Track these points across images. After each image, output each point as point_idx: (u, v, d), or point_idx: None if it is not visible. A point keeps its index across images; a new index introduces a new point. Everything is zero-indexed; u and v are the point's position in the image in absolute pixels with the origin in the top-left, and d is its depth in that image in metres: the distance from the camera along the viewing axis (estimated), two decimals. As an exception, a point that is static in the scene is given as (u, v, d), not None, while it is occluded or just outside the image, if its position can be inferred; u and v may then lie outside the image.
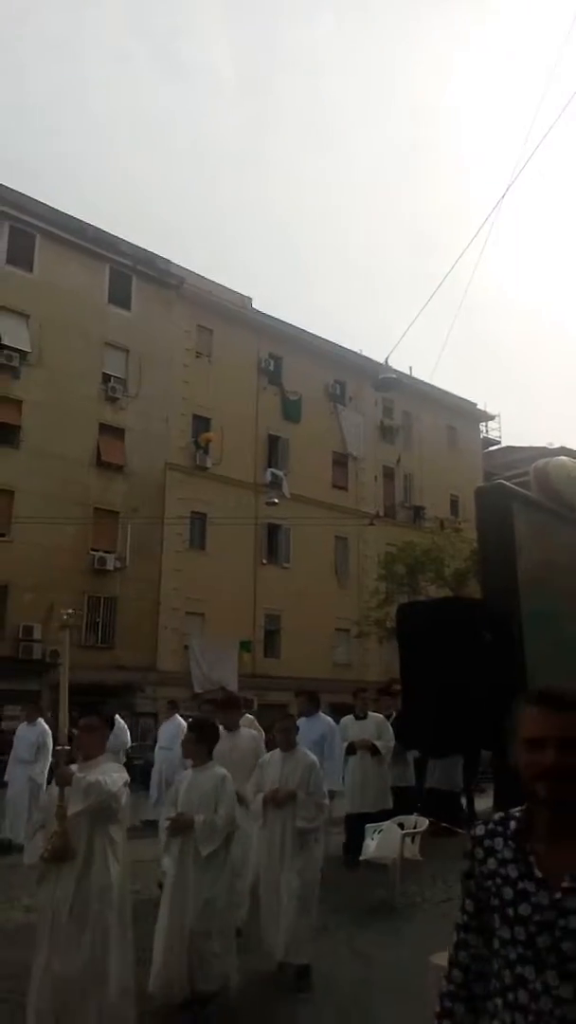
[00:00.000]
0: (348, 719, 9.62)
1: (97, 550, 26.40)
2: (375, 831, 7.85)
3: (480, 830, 1.83)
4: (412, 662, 3.47)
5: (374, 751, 9.11)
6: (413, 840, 7.85)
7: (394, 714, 9.70)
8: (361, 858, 7.78)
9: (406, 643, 3.52)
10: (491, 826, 1.82)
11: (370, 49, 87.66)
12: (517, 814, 1.81)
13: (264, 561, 31.35)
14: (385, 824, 8.05)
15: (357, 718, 9.56)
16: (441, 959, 3.40)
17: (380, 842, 7.63)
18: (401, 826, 7.90)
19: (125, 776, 4.30)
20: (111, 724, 5.05)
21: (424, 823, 8.09)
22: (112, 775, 4.18)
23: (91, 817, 4.06)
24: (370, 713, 9.66)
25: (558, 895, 1.65)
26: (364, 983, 5.08)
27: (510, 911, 1.69)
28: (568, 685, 1.77)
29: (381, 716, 9.65)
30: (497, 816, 1.84)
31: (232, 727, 6.55)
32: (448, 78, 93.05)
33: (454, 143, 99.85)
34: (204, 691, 22.88)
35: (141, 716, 22.99)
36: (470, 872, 1.82)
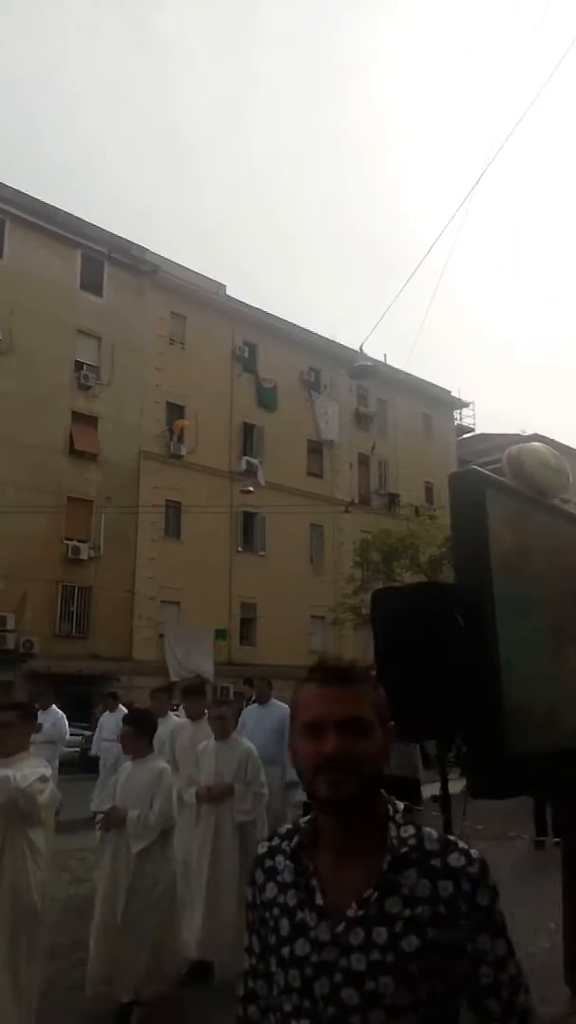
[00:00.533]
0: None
1: (71, 539, 26.20)
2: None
3: (263, 847, 1.46)
4: (386, 647, 3.48)
5: None
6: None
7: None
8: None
9: (380, 628, 3.53)
10: (275, 841, 1.44)
11: (348, 22, 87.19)
12: (303, 823, 1.42)
13: (239, 549, 31.33)
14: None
15: None
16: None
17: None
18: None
19: (44, 771, 3.87)
20: (34, 716, 4.58)
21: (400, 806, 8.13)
22: (25, 771, 3.73)
23: (3, 817, 3.70)
24: None
25: (340, 927, 1.27)
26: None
27: (285, 950, 1.32)
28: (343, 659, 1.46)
29: None
30: (284, 828, 1.47)
31: (196, 716, 6.29)
32: (428, 53, 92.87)
33: (432, 123, 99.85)
34: (180, 679, 22.84)
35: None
36: (252, 902, 1.43)
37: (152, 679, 20.77)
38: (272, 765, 6.70)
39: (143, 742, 4.92)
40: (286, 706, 8.55)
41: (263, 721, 7.38)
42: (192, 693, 6.71)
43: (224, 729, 5.49)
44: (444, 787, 3.89)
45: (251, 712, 8.17)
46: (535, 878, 7.52)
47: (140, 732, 4.94)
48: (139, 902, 4.51)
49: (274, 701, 8.15)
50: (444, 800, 3.84)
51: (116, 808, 4.67)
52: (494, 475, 4.28)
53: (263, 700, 7.97)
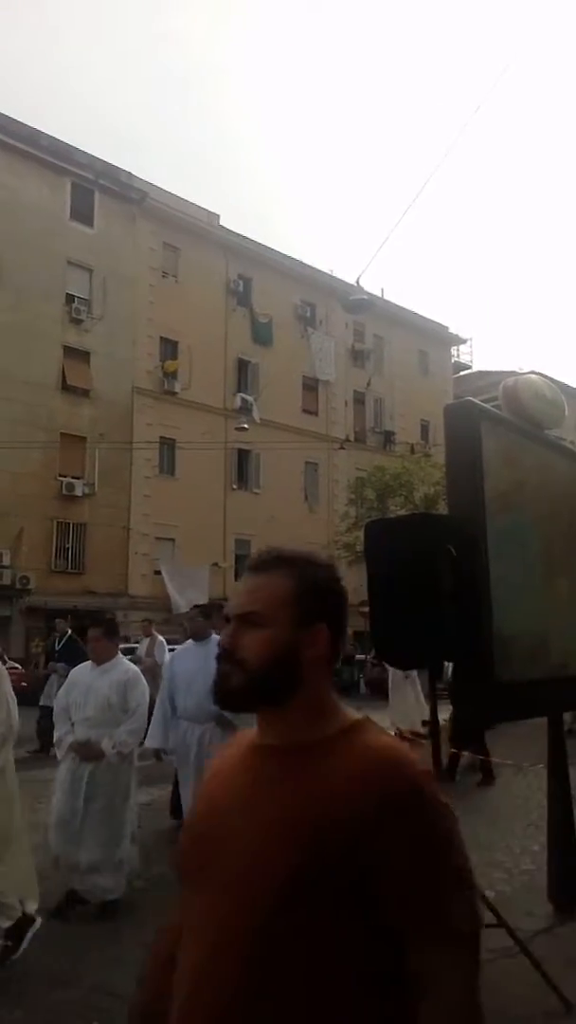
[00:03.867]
0: None
1: (65, 476, 26.15)
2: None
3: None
4: (379, 577, 3.51)
5: None
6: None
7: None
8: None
9: (373, 559, 3.55)
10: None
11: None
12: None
13: (234, 487, 31.33)
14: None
15: None
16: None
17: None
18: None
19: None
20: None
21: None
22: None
23: None
24: None
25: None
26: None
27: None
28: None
29: None
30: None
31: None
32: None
33: (434, 37, 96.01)
34: (179, 614, 23.10)
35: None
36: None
37: (147, 614, 21.00)
38: None
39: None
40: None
41: (198, 660, 7.46)
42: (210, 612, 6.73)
43: (98, 653, 5.18)
44: (433, 714, 3.98)
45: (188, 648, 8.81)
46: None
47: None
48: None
49: (216, 637, 8.48)
50: (434, 727, 3.93)
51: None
52: (490, 407, 4.26)
53: (199, 636, 8.00)
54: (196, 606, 5.96)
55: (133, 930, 4.43)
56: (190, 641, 5.99)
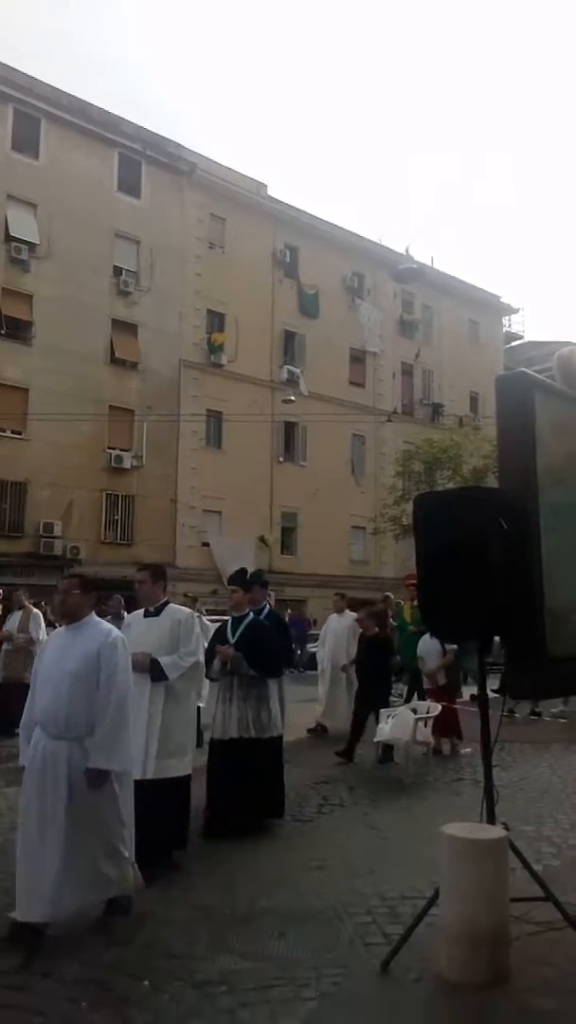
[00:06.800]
0: (332, 616, 11.02)
1: (113, 448, 26.46)
2: (389, 715, 8.16)
3: None
4: (428, 550, 3.48)
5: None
6: (425, 724, 8.14)
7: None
8: (375, 740, 8.13)
9: (423, 532, 3.52)
10: None
11: None
12: None
13: (280, 459, 31.32)
14: (399, 708, 8.37)
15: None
16: (452, 830, 3.57)
17: (394, 725, 7.93)
18: (414, 711, 8.18)
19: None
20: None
21: (437, 708, 8.38)
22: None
23: None
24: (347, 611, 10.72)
25: None
26: (376, 852, 5.36)
27: None
28: None
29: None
30: None
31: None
32: None
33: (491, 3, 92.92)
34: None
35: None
36: None
37: (195, 585, 21.27)
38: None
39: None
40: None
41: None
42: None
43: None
44: (482, 687, 3.96)
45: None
46: None
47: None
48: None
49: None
50: (482, 699, 3.91)
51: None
52: (543, 378, 4.17)
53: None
54: (144, 566, 5.31)
55: (182, 891, 4.56)
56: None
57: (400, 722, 7.91)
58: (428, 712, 8.29)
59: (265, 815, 5.94)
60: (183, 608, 5.42)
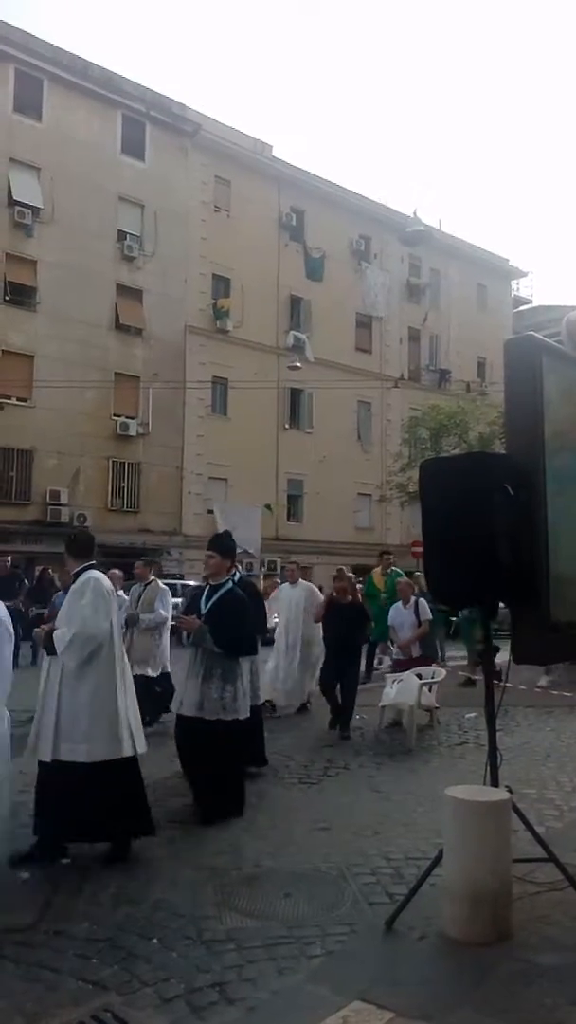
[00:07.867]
0: (284, 586, 10.02)
1: (119, 415, 26.38)
2: (394, 680, 8.21)
3: None
4: (434, 515, 3.47)
5: None
6: (430, 689, 8.20)
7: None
8: (380, 704, 8.19)
9: (429, 497, 3.51)
10: None
11: None
12: None
13: (287, 426, 31.21)
14: (404, 674, 8.42)
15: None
16: (456, 792, 3.61)
17: (399, 690, 8.00)
18: (419, 676, 8.24)
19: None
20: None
21: (441, 674, 8.43)
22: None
23: None
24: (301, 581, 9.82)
25: None
26: (380, 814, 5.43)
27: None
28: None
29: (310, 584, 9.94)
30: None
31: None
32: None
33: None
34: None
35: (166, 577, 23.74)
36: None
37: (202, 552, 21.33)
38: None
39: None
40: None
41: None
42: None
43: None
44: (487, 652, 3.97)
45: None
46: None
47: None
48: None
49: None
50: (488, 665, 3.93)
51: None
52: (552, 342, 4.12)
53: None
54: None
55: (190, 853, 4.64)
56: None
57: (405, 687, 7.97)
58: (433, 678, 8.34)
59: (214, 807, 5.21)
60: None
